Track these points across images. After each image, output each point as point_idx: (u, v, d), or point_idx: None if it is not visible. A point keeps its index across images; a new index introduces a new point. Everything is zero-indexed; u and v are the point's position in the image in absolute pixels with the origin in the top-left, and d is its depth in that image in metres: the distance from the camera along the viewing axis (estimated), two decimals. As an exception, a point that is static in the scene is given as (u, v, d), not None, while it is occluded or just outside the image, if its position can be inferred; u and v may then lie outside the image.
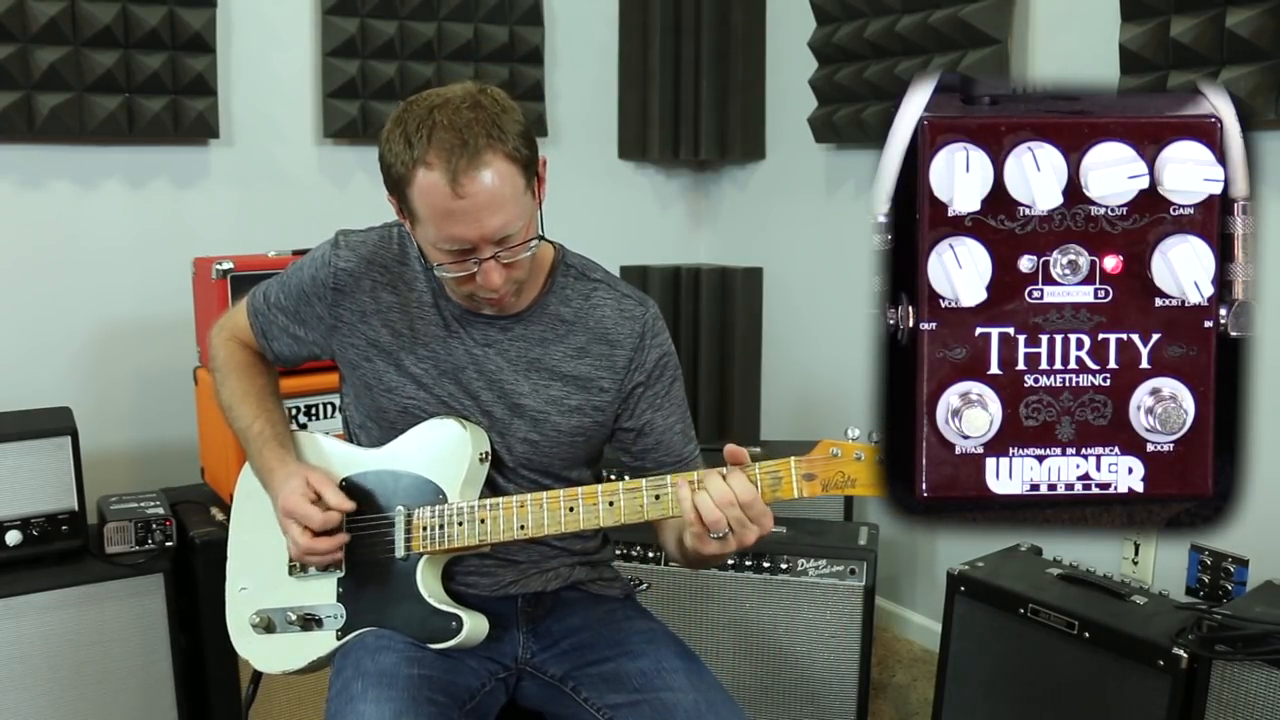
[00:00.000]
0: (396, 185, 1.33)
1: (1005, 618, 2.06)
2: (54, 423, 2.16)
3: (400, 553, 1.47)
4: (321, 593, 1.52)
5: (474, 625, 1.45)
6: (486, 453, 1.48)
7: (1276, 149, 2.05)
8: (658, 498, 1.34)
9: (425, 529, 1.45)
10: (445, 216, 1.30)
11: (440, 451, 1.47)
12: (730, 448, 1.33)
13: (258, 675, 1.66)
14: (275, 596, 1.55)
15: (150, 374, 2.76)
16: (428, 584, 1.46)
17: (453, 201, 1.28)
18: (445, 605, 1.46)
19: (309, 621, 1.52)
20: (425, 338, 1.49)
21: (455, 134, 1.27)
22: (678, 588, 2.33)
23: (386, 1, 2.87)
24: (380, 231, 1.53)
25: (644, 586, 2.25)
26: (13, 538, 2.08)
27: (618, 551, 2.29)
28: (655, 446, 1.56)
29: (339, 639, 1.50)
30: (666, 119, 3.32)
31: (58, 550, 2.13)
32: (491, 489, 1.49)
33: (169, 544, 2.20)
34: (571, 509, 1.37)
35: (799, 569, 2.26)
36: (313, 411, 2.29)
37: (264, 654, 1.57)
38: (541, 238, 1.43)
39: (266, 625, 1.55)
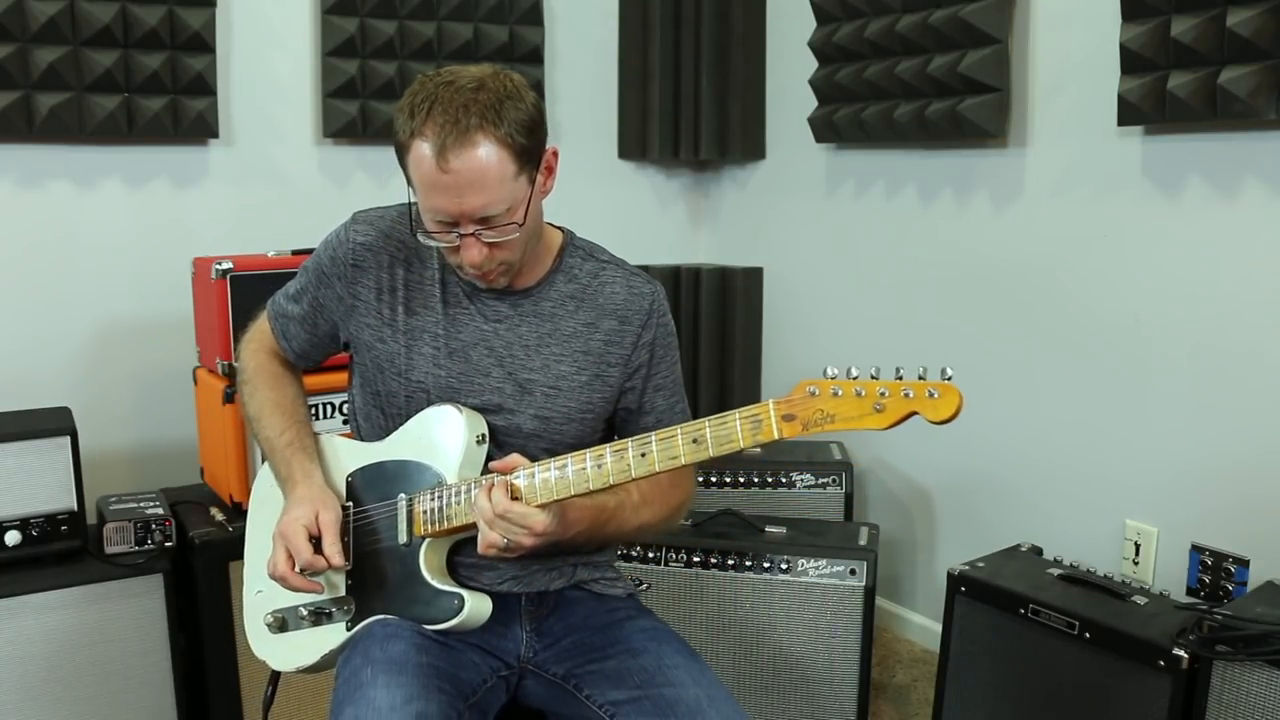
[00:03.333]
0: (397, 152, 1.39)
1: (1005, 618, 2.06)
2: (53, 423, 2.15)
3: (402, 539, 1.48)
4: (332, 586, 1.53)
5: (475, 604, 1.46)
6: (484, 435, 1.49)
7: (1276, 149, 2.06)
8: (643, 455, 1.34)
9: (425, 512, 1.47)
10: (430, 188, 1.35)
11: (438, 437, 1.49)
12: (495, 463, 1.41)
13: (276, 676, 1.67)
14: (288, 596, 1.56)
15: (150, 374, 2.76)
16: (430, 566, 1.48)
17: (438, 175, 1.33)
18: (447, 585, 1.47)
19: (320, 616, 1.53)
20: (437, 315, 1.51)
21: (451, 112, 1.32)
22: (678, 587, 2.33)
23: (386, 1, 2.87)
24: (398, 208, 1.56)
25: (644, 586, 2.25)
26: (12, 538, 2.08)
27: (618, 552, 2.29)
28: (654, 425, 1.57)
29: (349, 630, 1.51)
30: (666, 119, 3.32)
31: (57, 550, 2.12)
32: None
33: (168, 544, 2.20)
34: (561, 475, 1.37)
35: (799, 569, 2.26)
36: (313, 411, 2.29)
37: (279, 653, 1.58)
38: (525, 222, 1.43)
39: (280, 625, 1.57)
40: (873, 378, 1.24)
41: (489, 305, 1.52)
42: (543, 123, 1.40)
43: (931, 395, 1.21)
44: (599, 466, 1.36)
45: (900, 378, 1.24)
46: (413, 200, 1.55)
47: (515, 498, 1.37)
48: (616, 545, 1.65)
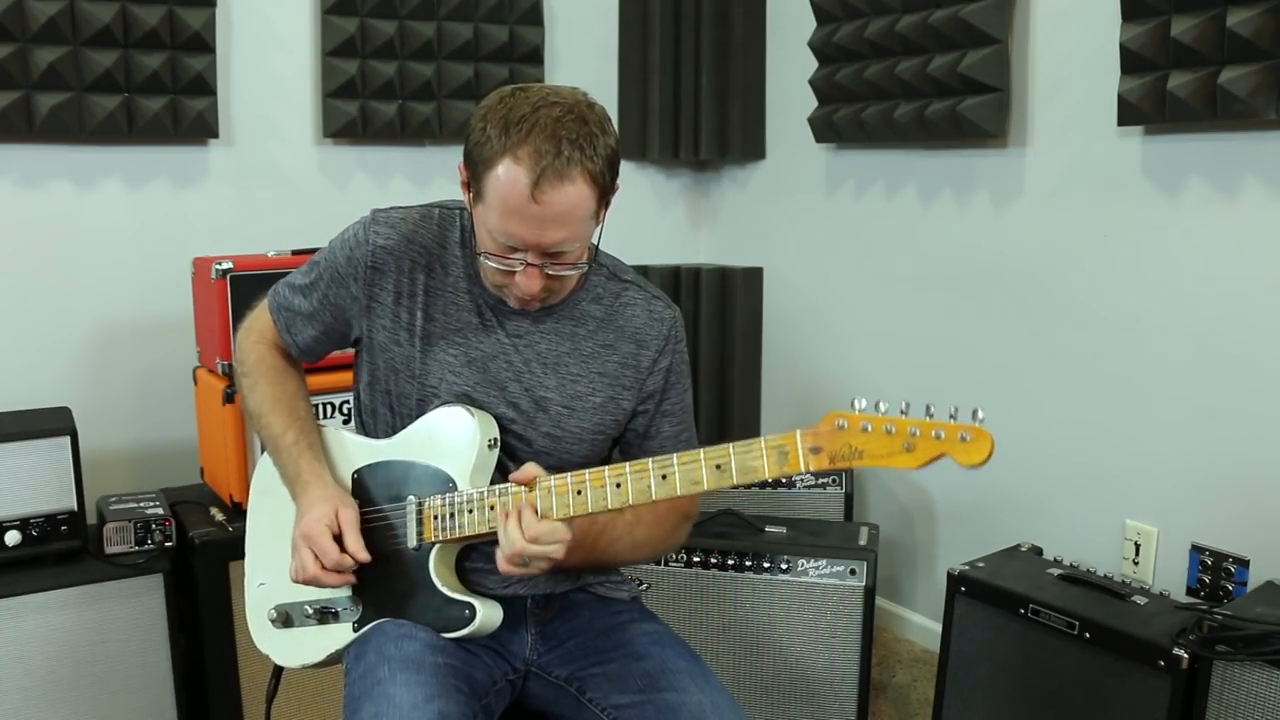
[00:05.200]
0: (476, 164, 1.34)
1: (1005, 618, 2.07)
2: (53, 423, 2.16)
3: (412, 543, 1.47)
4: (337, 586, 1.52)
5: (486, 613, 1.46)
6: (495, 439, 1.48)
7: (1276, 149, 2.06)
8: (664, 478, 1.32)
9: (436, 518, 1.45)
10: (513, 213, 1.31)
11: (449, 439, 1.47)
12: (515, 475, 1.38)
13: (279, 670, 1.66)
14: (292, 591, 1.55)
15: (150, 374, 2.76)
16: (440, 573, 1.47)
17: (527, 204, 1.29)
18: (458, 594, 1.46)
19: (326, 615, 1.52)
20: (457, 324, 1.49)
21: (554, 141, 1.28)
22: (678, 588, 2.33)
23: (386, 1, 2.87)
24: (420, 210, 1.52)
25: (645, 587, 2.24)
26: (12, 538, 2.08)
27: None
28: (658, 450, 1.56)
29: (355, 631, 1.50)
30: (666, 119, 3.32)
31: (57, 550, 2.13)
32: (506, 481, 1.49)
33: (168, 544, 2.20)
34: (579, 491, 1.36)
35: (799, 569, 2.26)
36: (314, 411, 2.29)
37: (283, 649, 1.57)
38: (592, 261, 1.45)
39: (284, 620, 1.56)
40: (902, 414, 1.22)
41: (511, 319, 1.49)
42: (619, 160, 1.37)
43: (964, 439, 1.20)
44: (618, 486, 1.34)
45: (931, 416, 1.22)
46: (437, 206, 1.53)
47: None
48: (613, 566, 1.64)
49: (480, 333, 1.49)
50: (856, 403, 1.24)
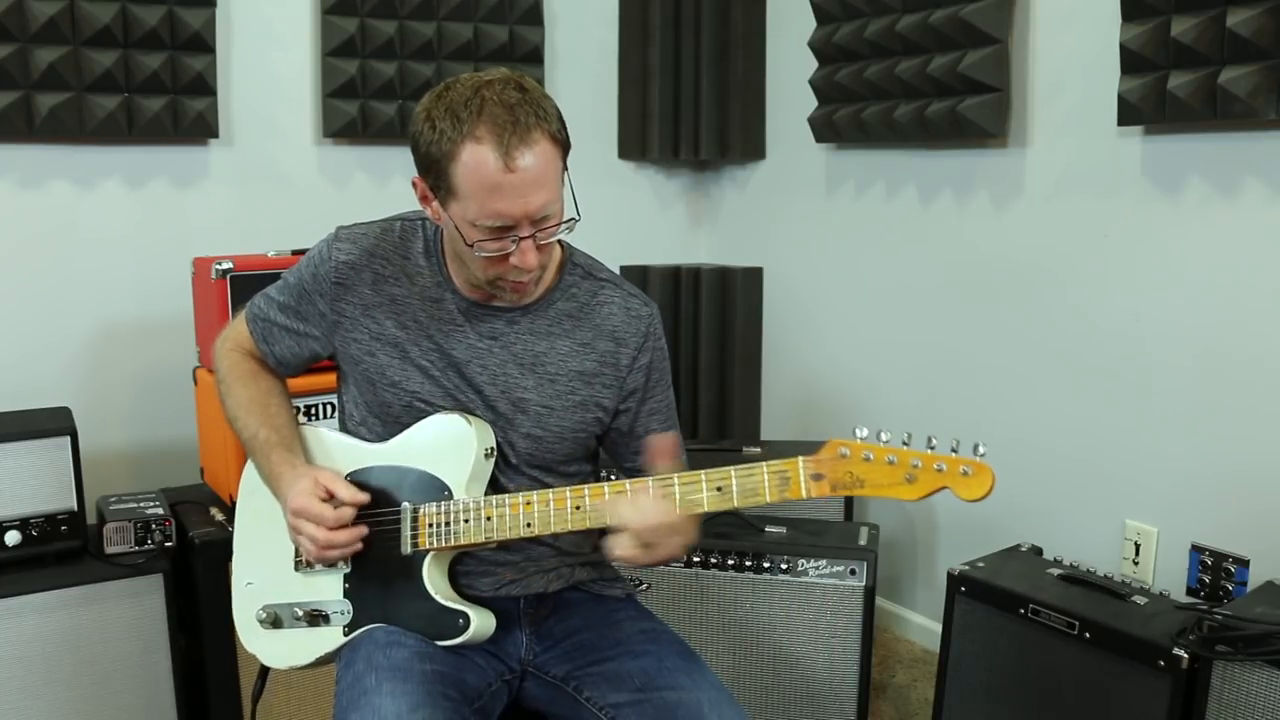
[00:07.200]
0: (436, 162, 1.33)
1: (1005, 618, 2.06)
2: (53, 423, 2.16)
3: (406, 549, 1.46)
4: (328, 588, 1.52)
5: (480, 622, 1.45)
6: (492, 448, 1.47)
7: (1276, 149, 2.06)
8: (664, 497, 1.33)
9: (431, 525, 1.45)
10: (492, 191, 1.30)
11: (445, 447, 1.46)
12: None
13: (265, 669, 1.66)
14: (282, 592, 1.55)
15: (150, 374, 2.76)
16: (434, 581, 1.46)
17: (503, 176, 1.29)
18: (452, 602, 1.46)
19: (316, 617, 1.52)
20: (430, 330, 1.49)
21: (507, 110, 1.29)
22: (678, 588, 2.33)
23: (386, 1, 2.87)
24: (381, 224, 1.53)
25: (644, 586, 2.25)
26: (12, 538, 2.08)
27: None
28: (646, 447, 1.57)
29: (346, 635, 1.50)
30: (666, 119, 3.32)
31: (57, 550, 2.13)
32: (493, 485, 1.49)
33: (168, 544, 2.20)
34: (578, 507, 1.37)
35: (799, 569, 2.26)
36: (313, 411, 2.29)
37: (271, 650, 1.57)
38: (576, 220, 1.44)
39: (274, 621, 1.55)
40: (904, 444, 1.24)
41: (483, 322, 1.49)
42: (564, 119, 1.38)
43: (965, 473, 1.22)
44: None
45: (933, 448, 1.23)
46: (398, 218, 1.53)
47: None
48: None
49: (454, 337, 1.49)
50: (859, 431, 1.26)
